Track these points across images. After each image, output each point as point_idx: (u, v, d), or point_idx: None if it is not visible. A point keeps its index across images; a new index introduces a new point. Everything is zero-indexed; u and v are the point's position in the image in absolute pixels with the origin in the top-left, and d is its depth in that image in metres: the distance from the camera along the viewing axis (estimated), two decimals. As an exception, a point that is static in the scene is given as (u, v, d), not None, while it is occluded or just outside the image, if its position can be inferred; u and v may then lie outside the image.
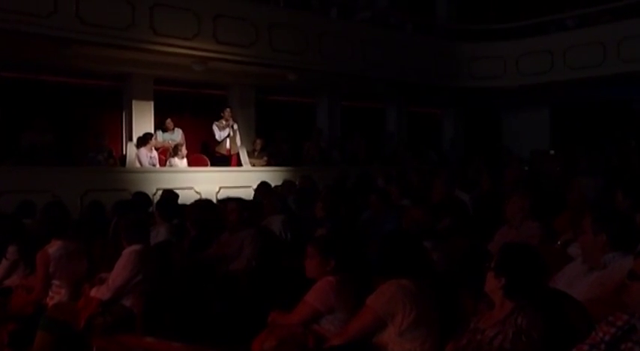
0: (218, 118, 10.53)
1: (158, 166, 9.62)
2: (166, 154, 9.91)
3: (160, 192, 8.43)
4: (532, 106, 13.93)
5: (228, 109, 10.53)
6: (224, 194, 8.60)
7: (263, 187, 7.59)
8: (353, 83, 12.31)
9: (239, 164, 10.62)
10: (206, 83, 11.01)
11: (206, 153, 10.84)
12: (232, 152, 10.53)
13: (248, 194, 8.24)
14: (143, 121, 10.09)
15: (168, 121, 10.35)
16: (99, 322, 3.78)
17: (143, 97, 10.17)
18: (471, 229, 5.05)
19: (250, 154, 10.79)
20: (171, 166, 9.70)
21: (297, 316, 3.11)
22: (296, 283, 3.83)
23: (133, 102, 10.10)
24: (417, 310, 2.74)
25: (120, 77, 10.26)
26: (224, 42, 9.60)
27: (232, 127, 10.44)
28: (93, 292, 4.00)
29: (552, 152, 11.76)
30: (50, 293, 4.30)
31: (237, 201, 5.30)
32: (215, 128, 10.50)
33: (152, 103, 10.25)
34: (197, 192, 9.15)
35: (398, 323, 2.73)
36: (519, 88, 12.90)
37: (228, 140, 10.48)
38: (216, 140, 10.57)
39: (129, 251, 4.03)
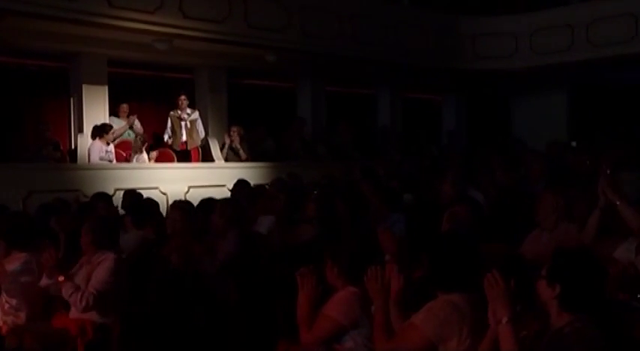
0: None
1: (115, 162, 9.53)
2: (127, 149, 9.81)
3: (118, 193, 8.37)
4: (547, 91, 14.06)
5: (182, 97, 10.45)
6: (194, 195, 8.57)
7: (245, 187, 7.60)
8: (340, 65, 12.31)
9: (202, 160, 10.57)
10: (170, 65, 10.92)
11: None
12: (189, 147, 10.48)
13: (222, 194, 8.21)
14: (95, 108, 9.98)
15: (124, 106, 10.26)
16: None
17: (95, 81, 10.05)
18: (491, 233, 5.12)
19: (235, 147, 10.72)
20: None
21: (318, 333, 3.13)
22: (290, 293, 3.85)
23: (83, 87, 9.97)
24: (473, 336, 2.78)
25: (67, 57, 10.12)
26: (192, 16, 9.53)
27: (181, 117, 10.36)
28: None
29: (574, 144, 11.89)
30: (2, 316, 4.26)
31: (221, 202, 5.35)
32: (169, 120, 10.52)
33: (106, 88, 10.14)
34: (163, 192, 9.10)
35: (452, 349, 2.77)
36: (532, 69, 12.99)
37: (184, 133, 10.45)
38: (174, 133, 10.53)
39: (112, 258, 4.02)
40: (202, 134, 10.65)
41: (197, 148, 10.61)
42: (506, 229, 5.53)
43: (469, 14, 13.29)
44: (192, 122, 10.46)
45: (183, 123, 10.42)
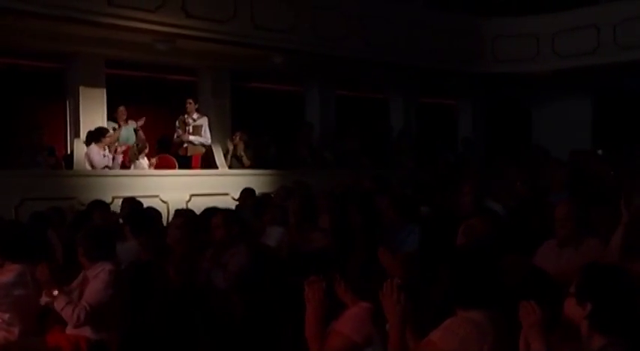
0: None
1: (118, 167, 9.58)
2: (125, 154, 9.84)
3: (117, 201, 8.39)
4: (570, 96, 13.99)
5: (188, 100, 10.53)
6: (196, 203, 8.57)
7: (250, 196, 7.63)
8: (350, 68, 12.35)
9: (205, 167, 10.59)
10: (172, 66, 11.00)
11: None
12: (190, 153, 10.52)
13: (226, 203, 8.22)
14: (93, 112, 10.02)
15: (121, 109, 10.31)
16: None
17: (93, 83, 10.10)
18: (510, 245, 5.09)
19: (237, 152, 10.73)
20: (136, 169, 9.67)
21: (329, 351, 3.12)
22: (299, 308, 3.85)
23: (80, 89, 10.02)
24: None
25: (63, 57, 10.19)
26: (195, 15, 9.59)
27: (186, 122, 10.44)
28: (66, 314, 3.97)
29: (600, 152, 11.84)
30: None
31: (224, 213, 5.34)
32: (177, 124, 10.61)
33: (104, 91, 10.19)
34: (163, 201, 9.12)
35: None
36: (555, 73, 12.95)
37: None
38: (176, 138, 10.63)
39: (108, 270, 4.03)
40: (208, 141, 10.67)
41: (199, 154, 10.62)
42: (527, 241, 5.51)
43: (488, 14, 13.28)
44: (196, 128, 10.49)
45: (187, 128, 10.47)
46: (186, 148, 10.52)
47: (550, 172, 8.61)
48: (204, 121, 10.62)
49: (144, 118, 10.27)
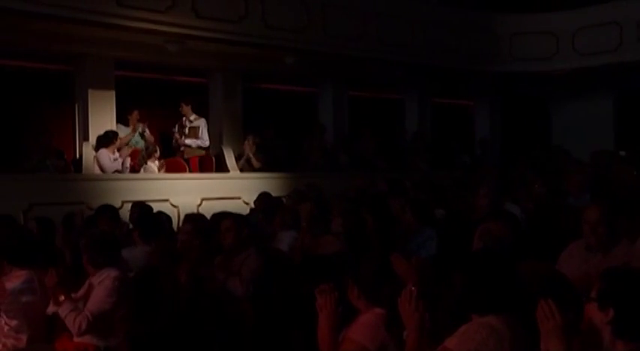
0: (197, 112, 10.64)
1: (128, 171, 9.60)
2: (135, 158, 9.89)
3: (126, 205, 8.42)
4: (591, 96, 13.97)
5: (182, 103, 10.58)
6: (207, 208, 8.59)
7: (263, 200, 7.64)
8: (364, 68, 12.38)
9: (216, 170, 10.60)
10: (182, 68, 11.03)
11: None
12: (187, 156, 10.53)
13: (237, 207, 8.23)
14: (102, 115, 10.05)
15: (135, 113, 10.36)
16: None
17: (102, 85, 10.13)
18: (529, 249, 5.06)
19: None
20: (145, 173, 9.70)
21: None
22: (310, 314, 3.84)
23: (89, 91, 10.05)
24: None
25: (72, 59, 10.22)
26: (205, 16, 9.59)
27: (183, 124, 10.51)
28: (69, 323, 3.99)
29: (623, 153, 11.75)
30: (2, 339, 4.28)
31: (234, 217, 5.35)
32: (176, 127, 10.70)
33: (113, 93, 10.23)
34: (174, 205, 9.14)
35: None
36: (575, 71, 12.90)
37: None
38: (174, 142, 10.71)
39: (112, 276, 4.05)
40: (206, 143, 10.69)
41: (197, 157, 10.63)
42: (546, 245, 5.48)
43: (505, 11, 13.24)
44: (193, 130, 10.53)
45: (183, 130, 10.56)
46: (183, 151, 10.56)
47: (568, 173, 8.59)
48: (201, 123, 10.63)
49: (146, 123, 10.32)
